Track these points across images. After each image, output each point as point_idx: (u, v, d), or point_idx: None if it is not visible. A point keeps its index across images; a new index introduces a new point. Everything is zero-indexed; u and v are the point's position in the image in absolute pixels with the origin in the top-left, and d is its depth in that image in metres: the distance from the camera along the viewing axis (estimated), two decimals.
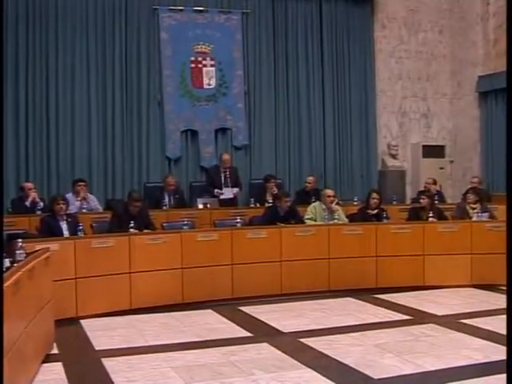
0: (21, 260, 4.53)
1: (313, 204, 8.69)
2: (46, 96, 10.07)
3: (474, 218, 8.52)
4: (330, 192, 8.61)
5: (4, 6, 9.44)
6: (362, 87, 11.85)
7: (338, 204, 8.68)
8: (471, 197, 8.80)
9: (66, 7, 10.18)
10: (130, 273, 6.99)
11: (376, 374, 4.69)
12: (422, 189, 10.47)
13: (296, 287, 7.73)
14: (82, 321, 6.49)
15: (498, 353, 4.96)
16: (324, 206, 8.49)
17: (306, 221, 8.41)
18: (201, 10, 10.93)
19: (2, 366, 3.40)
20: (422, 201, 8.70)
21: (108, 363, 5.05)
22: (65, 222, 7.40)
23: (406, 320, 6.46)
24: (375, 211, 8.55)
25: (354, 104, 11.76)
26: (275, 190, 9.57)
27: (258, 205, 9.62)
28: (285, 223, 8.12)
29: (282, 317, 6.67)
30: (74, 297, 6.58)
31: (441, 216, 8.67)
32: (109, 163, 10.35)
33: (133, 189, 9.52)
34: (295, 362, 5.03)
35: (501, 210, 8.28)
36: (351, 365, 4.93)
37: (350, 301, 7.49)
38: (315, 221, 8.42)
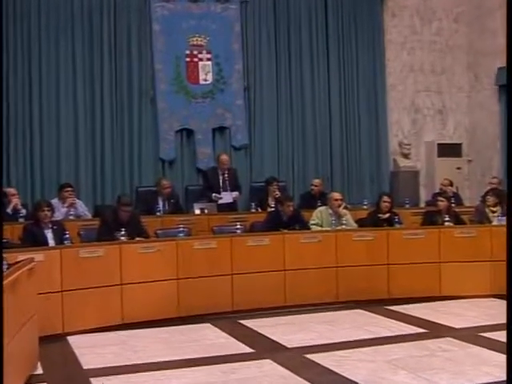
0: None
1: (319, 208, 8.70)
2: (29, 93, 10.05)
3: (495, 222, 8.52)
4: (337, 195, 8.62)
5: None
6: (371, 81, 11.85)
7: (345, 208, 8.69)
8: (491, 199, 8.80)
9: None
10: (121, 284, 6.98)
11: None
12: (437, 191, 10.47)
13: (301, 298, 7.72)
14: (68, 337, 6.48)
15: None
16: (331, 211, 8.49)
17: (311, 226, 8.41)
18: (196, 0, 10.94)
19: (1, 366, 3.46)
20: (439, 203, 8.66)
21: (98, 383, 5.03)
22: (50, 229, 7.39)
23: (421, 333, 6.46)
24: (386, 215, 8.55)
25: (362, 99, 11.76)
26: (278, 194, 9.56)
27: (259, 210, 9.64)
28: (289, 229, 8.13)
29: (286, 331, 6.67)
30: (60, 311, 6.56)
31: (458, 220, 8.66)
32: (97, 166, 10.34)
33: (123, 193, 9.53)
34: (300, 379, 5.02)
35: None
36: (361, 383, 4.92)
37: (359, 313, 7.49)
38: (321, 226, 8.42)
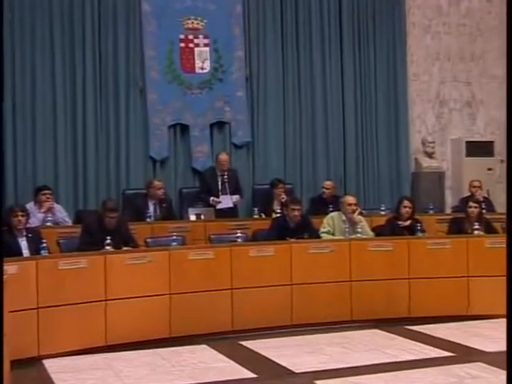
0: None
1: (330, 214, 8.71)
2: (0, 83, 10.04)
3: None
4: (351, 199, 8.62)
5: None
6: (391, 70, 11.85)
7: (361, 214, 8.69)
8: None
9: None
10: (105, 300, 6.99)
11: None
12: (465, 195, 10.47)
13: (310, 317, 7.74)
14: (45, 361, 6.49)
15: None
16: (344, 217, 8.49)
17: (321, 235, 8.43)
18: None
19: (1, 366, 3.58)
20: (472, 209, 8.60)
21: None
22: (24, 238, 7.41)
23: (447, 357, 6.46)
24: (407, 223, 8.56)
25: (380, 91, 11.77)
26: (284, 198, 9.57)
27: (263, 216, 9.67)
28: (296, 238, 8.13)
29: (294, 353, 6.68)
30: (35, 331, 6.57)
31: (489, 228, 8.65)
32: (79, 166, 10.33)
33: (108, 197, 9.54)
34: None
35: None
36: None
37: (376, 333, 7.50)
38: (333, 235, 8.43)
